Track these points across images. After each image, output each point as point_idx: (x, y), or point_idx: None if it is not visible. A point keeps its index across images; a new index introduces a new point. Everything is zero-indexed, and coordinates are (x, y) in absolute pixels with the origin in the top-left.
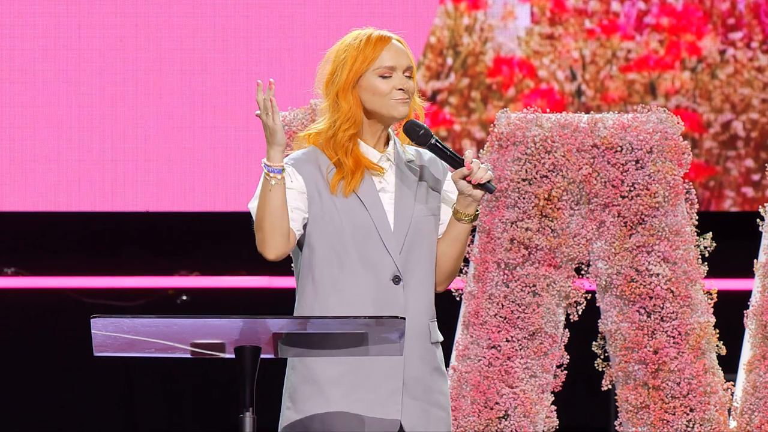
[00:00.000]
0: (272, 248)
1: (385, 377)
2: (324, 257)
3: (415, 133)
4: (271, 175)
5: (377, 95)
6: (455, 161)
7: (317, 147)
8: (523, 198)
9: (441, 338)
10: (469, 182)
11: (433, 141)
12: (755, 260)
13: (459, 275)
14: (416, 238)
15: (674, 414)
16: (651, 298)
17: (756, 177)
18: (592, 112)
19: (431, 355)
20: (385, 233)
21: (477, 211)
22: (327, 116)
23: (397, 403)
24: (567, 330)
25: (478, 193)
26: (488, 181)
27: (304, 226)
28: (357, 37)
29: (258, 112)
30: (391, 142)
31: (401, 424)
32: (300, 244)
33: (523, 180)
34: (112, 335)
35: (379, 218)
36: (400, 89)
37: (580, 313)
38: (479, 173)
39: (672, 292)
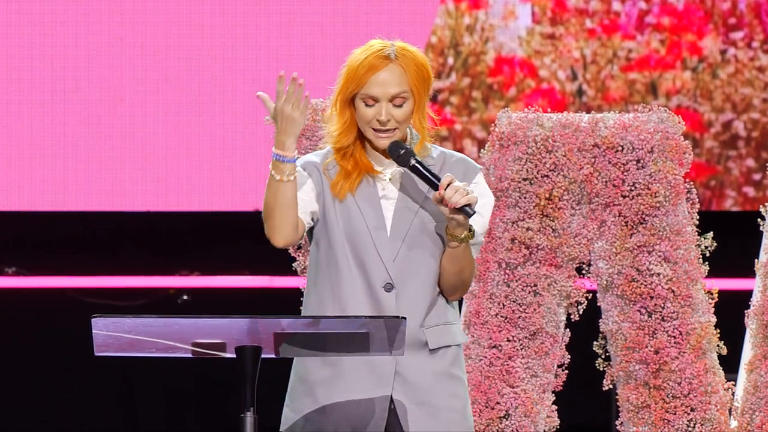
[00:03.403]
0: (280, 237)
1: (376, 383)
2: (323, 259)
3: (395, 154)
4: (282, 164)
5: (361, 120)
6: (434, 184)
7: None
8: (524, 198)
9: (453, 342)
10: (446, 206)
11: (412, 162)
12: (756, 260)
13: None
14: (415, 246)
15: (675, 414)
16: (652, 297)
17: (757, 177)
18: (593, 111)
19: (433, 361)
20: (380, 240)
21: (467, 232)
22: (331, 122)
23: (384, 409)
24: (568, 330)
25: (459, 216)
26: (466, 205)
27: (315, 220)
28: (360, 54)
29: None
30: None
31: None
32: (310, 241)
33: (524, 180)
34: (113, 335)
35: (375, 224)
36: (378, 120)
37: (581, 312)
38: (454, 198)
39: (673, 291)
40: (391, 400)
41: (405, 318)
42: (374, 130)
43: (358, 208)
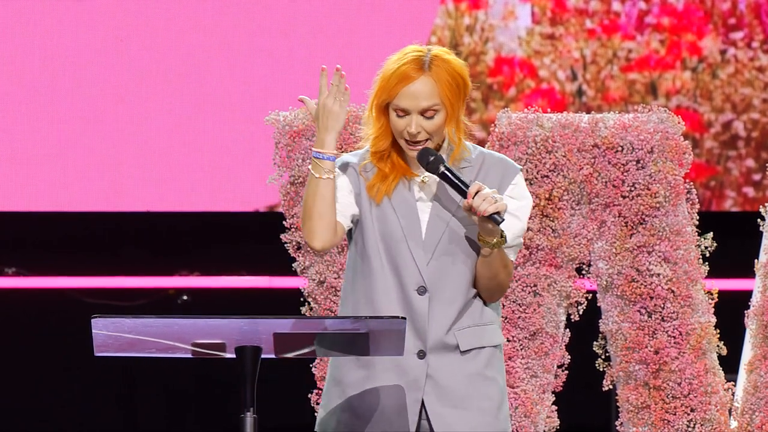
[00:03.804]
0: (318, 239)
1: (407, 386)
2: (359, 260)
3: (425, 161)
4: (322, 161)
5: (394, 129)
6: (462, 192)
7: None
8: None
9: (488, 343)
10: (475, 214)
11: (441, 169)
12: (756, 260)
13: None
14: (450, 249)
15: (675, 414)
16: (652, 298)
17: (757, 177)
18: (592, 112)
19: (464, 363)
20: (414, 243)
21: (501, 237)
22: (368, 124)
23: (415, 413)
24: (568, 330)
25: (488, 224)
26: (496, 213)
27: (354, 221)
28: (394, 63)
29: (305, 98)
30: (442, 152)
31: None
32: (349, 241)
33: (524, 180)
34: (113, 335)
35: (409, 227)
36: (409, 132)
37: (581, 313)
38: (482, 206)
39: (673, 292)
40: (423, 403)
41: (405, 318)
42: (405, 140)
43: (393, 211)
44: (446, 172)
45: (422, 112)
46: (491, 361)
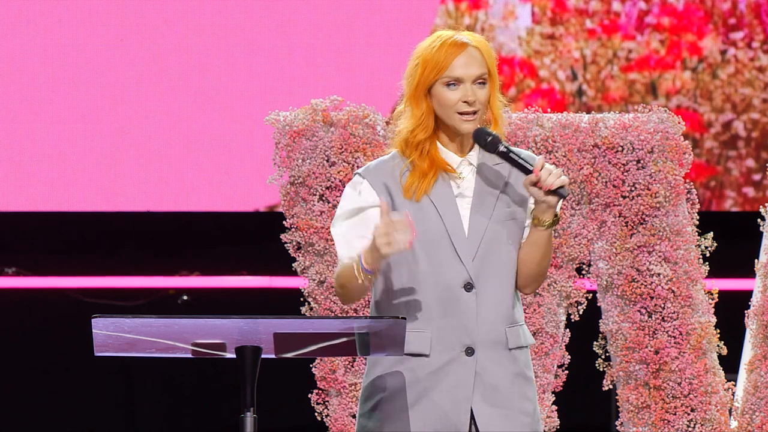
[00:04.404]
0: (352, 303)
1: (455, 385)
2: (395, 262)
3: (483, 141)
4: (363, 273)
5: (444, 106)
6: (525, 168)
7: (398, 150)
8: None
9: (525, 342)
10: (540, 188)
11: (501, 148)
12: (756, 260)
13: None
14: (493, 244)
15: (675, 414)
16: (652, 298)
17: (757, 177)
18: (593, 112)
19: (510, 361)
20: (458, 240)
21: (555, 217)
22: (404, 118)
23: (466, 411)
24: (568, 330)
25: (552, 199)
26: (560, 187)
27: None
28: (434, 41)
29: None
30: (476, 145)
31: (476, 428)
32: None
33: None
34: (113, 335)
35: (452, 224)
36: (465, 102)
37: (581, 313)
38: (549, 179)
39: (673, 292)
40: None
41: (405, 318)
42: (459, 114)
43: (434, 209)
44: (506, 149)
45: (475, 81)
46: (529, 361)
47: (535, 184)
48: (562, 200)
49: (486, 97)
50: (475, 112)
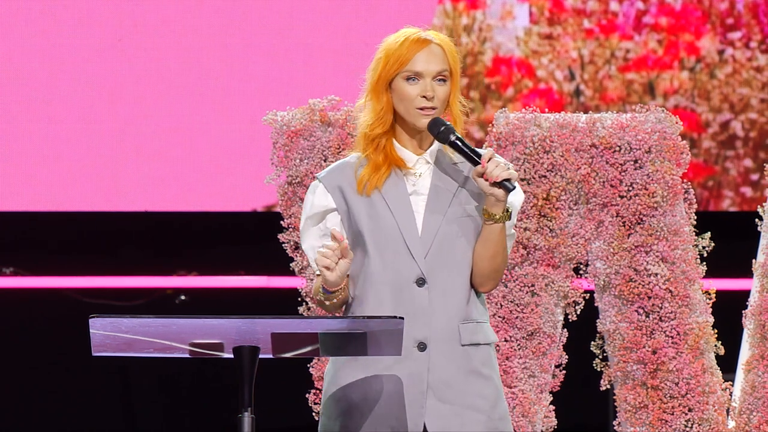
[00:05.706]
0: (336, 311)
1: (408, 380)
2: (358, 257)
3: (436, 130)
4: (323, 294)
5: (404, 100)
6: (474, 160)
7: (360, 149)
8: None
9: (484, 340)
10: (487, 180)
11: (452, 138)
12: (754, 260)
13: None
14: (447, 242)
15: (673, 414)
16: (649, 297)
17: (754, 177)
18: (590, 111)
19: (464, 358)
20: (411, 237)
21: (505, 211)
22: (364, 112)
23: (421, 406)
24: (565, 330)
25: (499, 192)
26: (507, 180)
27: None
28: (399, 36)
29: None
30: (434, 144)
31: (425, 427)
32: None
33: (522, 180)
34: (110, 335)
35: (404, 221)
36: (424, 96)
37: (578, 312)
38: (495, 171)
39: (670, 291)
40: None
41: (403, 318)
42: (418, 109)
43: (386, 205)
44: (457, 140)
45: (435, 77)
46: (488, 359)
47: (481, 175)
48: (508, 193)
49: (445, 95)
50: (433, 108)
